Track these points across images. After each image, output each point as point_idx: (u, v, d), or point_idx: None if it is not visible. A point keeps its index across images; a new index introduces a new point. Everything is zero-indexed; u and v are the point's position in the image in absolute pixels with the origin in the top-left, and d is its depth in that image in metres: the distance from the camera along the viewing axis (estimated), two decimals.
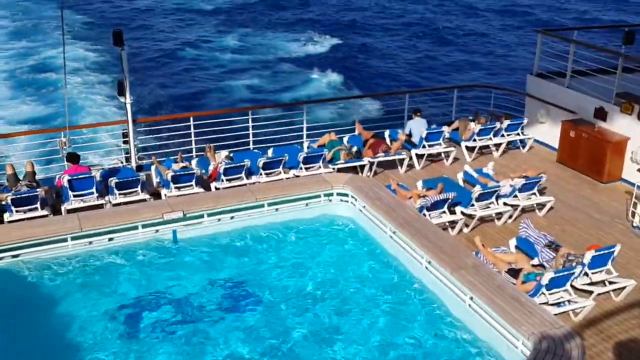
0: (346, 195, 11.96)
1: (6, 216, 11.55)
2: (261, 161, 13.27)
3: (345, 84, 33.03)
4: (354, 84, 32.96)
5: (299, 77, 34.30)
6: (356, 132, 15.90)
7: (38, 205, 11.66)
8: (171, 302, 9.85)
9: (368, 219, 11.40)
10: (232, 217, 11.55)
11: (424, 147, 15.08)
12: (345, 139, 15.45)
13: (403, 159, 14.86)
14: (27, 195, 11.59)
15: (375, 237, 11.23)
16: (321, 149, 14.47)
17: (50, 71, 31.50)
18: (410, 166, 15.10)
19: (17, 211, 11.55)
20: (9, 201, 11.45)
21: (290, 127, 16.27)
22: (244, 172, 13.16)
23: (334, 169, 13.95)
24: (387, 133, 15.94)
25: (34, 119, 25.83)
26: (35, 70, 32.17)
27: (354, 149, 14.73)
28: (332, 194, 12.06)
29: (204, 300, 9.91)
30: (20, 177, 12.37)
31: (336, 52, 39.21)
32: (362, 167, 14.42)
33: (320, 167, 13.80)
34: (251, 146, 15.44)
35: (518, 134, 16.25)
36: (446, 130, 15.58)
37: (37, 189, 11.81)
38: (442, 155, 15.61)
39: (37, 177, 12.74)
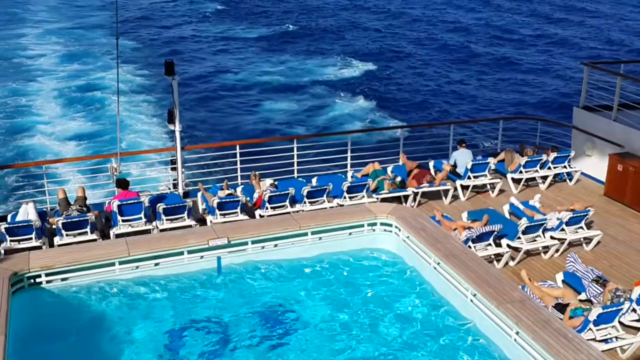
0: (390, 225, 11.91)
1: (56, 239, 11.87)
2: (305, 190, 13.36)
3: (384, 112, 33.13)
4: (394, 112, 33.04)
5: (338, 102, 34.72)
6: (400, 162, 15.89)
7: (88, 229, 11.96)
8: (214, 328, 9.93)
9: (412, 249, 11.32)
10: (275, 245, 11.62)
11: (469, 178, 14.94)
12: (389, 169, 15.44)
13: (448, 190, 14.75)
14: (77, 219, 11.90)
15: (418, 268, 11.12)
16: (365, 178, 14.49)
17: (96, 90, 33.21)
18: (455, 197, 14.97)
19: (67, 235, 11.86)
20: (60, 225, 11.77)
21: (335, 156, 16.35)
22: (288, 200, 13.26)
23: (377, 198, 13.93)
24: (431, 164, 15.88)
25: (81, 134, 27.30)
26: (83, 89, 33.88)
27: (398, 179, 14.70)
28: (375, 224, 12.02)
29: (245, 327, 9.96)
30: (72, 202, 12.73)
31: (373, 78, 39.57)
32: (406, 197, 14.37)
33: (363, 196, 13.80)
34: (295, 174, 15.57)
35: (565, 167, 15.97)
36: (492, 161, 15.42)
37: (87, 214, 12.12)
38: (488, 186, 15.42)
39: (88, 201, 13.09)
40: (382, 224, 12.03)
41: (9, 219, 12.27)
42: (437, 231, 11.39)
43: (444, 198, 14.83)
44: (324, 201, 13.61)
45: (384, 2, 65.92)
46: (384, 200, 13.87)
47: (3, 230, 11.34)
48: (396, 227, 11.77)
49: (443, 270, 10.43)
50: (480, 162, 15.12)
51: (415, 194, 14.37)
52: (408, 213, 12.17)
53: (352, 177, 15.17)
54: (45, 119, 29.66)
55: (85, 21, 53.44)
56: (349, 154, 16.03)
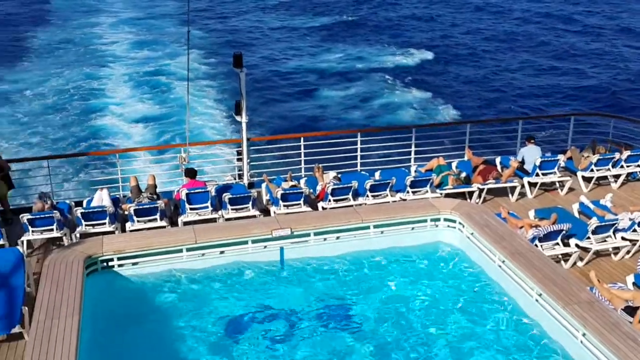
0: (454, 221, 11.79)
1: (128, 225, 12.33)
2: (368, 183, 13.37)
3: (446, 104, 32.67)
4: (458, 105, 32.56)
5: (397, 92, 34.65)
6: (466, 158, 15.65)
7: (157, 216, 12.36)
8: (274, 317, 10.12)
9: (476, 246, 11.17)
10: (337, 237, 11.70)
11: (537, 175, 14.57)
12: (454, 164, 15.24)
13: (515, 187, 14.43)
14: (148, 206, 12.32)
15: (482, 266, 10.98)
16: (429, 173, 14.36)
17: (163, 75, 35.21)
18: (522, 195, 14.63)
19: (138, 221, 12.29)
20: (132, 211, 12.22)
21: (399, 150, 16.26)
22: (351, 193, 13.30)
23: (441, 194, 13.79)
24: (498, 160, 15.56)
25: (148, 116, 29.06)
26: (151, 74, 35.92)
27: (463, 174, 14.49)
28: (439, 219, 11.93)
29: (306, 317, 10.10)
30: (143, 189, 13.18)
31: (435, 70, 39.26)
32: (471, 193, 14.15)
33: (427, 191, 13.69)
34: (359, 168, 15.59)
35: (639, 166, 15.34)
36: (561, 158, 14.98)
37: (157, 201, 12.53)
38: (557, 184, 15.00)
39: (158, 189, 13.52)
40: (445, 219, 11.92)
41: (84, 204, 12.82)
42: (502, 228, 11.20)
43: (510, 195, 14.52)
44: (387, 195, 13.58)
45: None
46: (448, 195, 13.71)
47: (79, 214, 11.87)
48: (460, 223, 11.64)
49: (508, 268, 10.26)
50: (549, 159, 14.71)
51: (481, 190, 14.13)
52: (473, 209, 12.00)
53: (415, 171, 15.06)
54: (116, 100, 31.43)
55: (155, 11, 55.94)
56: (412, 148, 15.91)
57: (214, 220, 12.63)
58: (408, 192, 13.60)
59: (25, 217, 11.37)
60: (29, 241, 11.59)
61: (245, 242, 11.30)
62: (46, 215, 11.50)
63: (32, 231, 11.53)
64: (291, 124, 29.11)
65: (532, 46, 44.38)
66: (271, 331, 9.77)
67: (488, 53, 43.37)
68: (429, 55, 42.12)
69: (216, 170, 16.61)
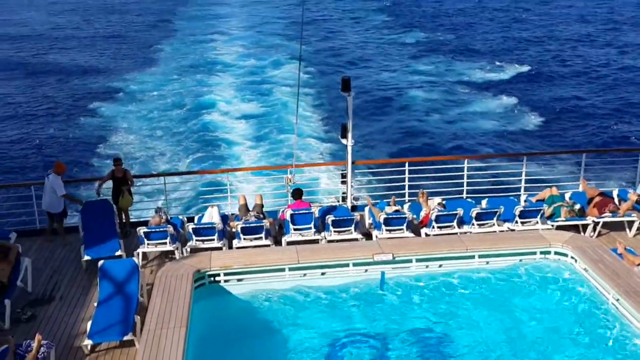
0: (565, 255, 11.27)
1: (235, 242, 12.75)
2: (474, 211, 13.04)
3: (553, 128, 31.27)
4: (565, 130, 31.11)
5: (508, 116, 33.76)
6: (580, 189, 14.91)
7: (263, 235, 12.70)
8: (372, 341, 10.08)
9: (588, 282, 10.60)
10: (440, 265, 11.50)
11: None
12: (567, 195, 14.55)
13: (633, 222, 13.55)
14: (254, 225, 12.69)
15: (595, 303, 10.38)
16: (540, 203, 13.80)
17: (267, 84, 39.06)
18: None
19: (244, 238, 12.69)
20: (239, 229, 12.64)
21: (507, 177, 15.77)
22: (456, 221, 13.04)
23: (553, 226, 13.20)
24: (615, 192, 14.70)
25: (249, 115, 32.99)
26: (256, 82, 40.12)
27: (577, 206, 13.81)
28: (549, 252, 11.44)
29: (404, 343, 9.99)
30: (250, 208, 13.60)
31: (547, 92, 37.99)
32: (585, 226, 13.44)
33: (537, 222, 13.15)
34: (465, 195, 15.26)
35: None
36: None
37: (264, 220, 12.88)
38: None
39: (264, 209, 13.90)
40: (556, 252, 11.43)
41: (195, 220, 13.42)
42: (618, 265, 10.57)
43: (627, 230, 13.65)
44: (494, 224, 13.19)
45: (541, 9, 67.67)
46: (559, 228, 13.11)
47: (190, 230, 12.44)
48: (572, 257, 11.11)
49: (623, 307, 9.65)
50: None
51: (596, 223, 13.39)
52: (586, 243, 11.43)
53: (525, 201, 14.53)
54: (223, 100, 35.84)
55: (265, 28, 62.16)
56: (523, 177, 15.37)
57: (316, 241, 12.80)
58: (517, 222, 13.13)
59: (142, 230, 12.05)
60: (144, 253, 12.27)
61: (347, 265, 11.36)
62: (161, 230, 12.14)
63: (148, 244, 12.19)
64: (394, 146, 29.21)
65: None
66: (368, 354, 9.72)
67: (600, 69, 41.62)
68: (539, 74, 41.39)
69: (320, 192, 16.85)
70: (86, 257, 11.93)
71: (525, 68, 42.94)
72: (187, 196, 20.78)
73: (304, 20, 60.86)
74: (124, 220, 13.64)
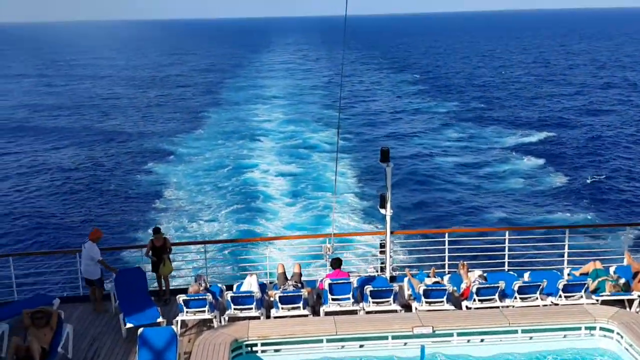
0: (611, 331, 10.91)
1: (273, 311, 12.72)
2: (517, 284, 12.79)
3: (603, 201, 30.66)
4: (606, 202, 30.48)
5: (549, 186, 33.54)
6: (625, 263, 14.52)
7: (301, 304, 12.66)
8: None
9: (635, 359, 10.19)
10: (482, 340, 11.24)
11: None
12: (612, 269, 14.18)
13: None
14: (292, 294, 12.68)
15: None
16: (584, 277, 13.47)
17: (305, 149, 43.33)
18: None
19: (282, 308, 12.66)
20: (277, 298, 12.63)
21: (551, 250, 15.48)
22: (497, 294, 12.79)
23: (597, 300, 12.83)
24: None
25: (287, 173, 36.48)
26: (295, 145, 44.72)
27: (622, 280, 13.42)
28: (594, 328, 11.10)
29: None
30: (289, 277, 13.62)
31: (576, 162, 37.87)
32: (631, 301, 13.01)
33: (582, 297, 12.81)
34: (506, 267, 15.01)
35: None
36: None
37: (302, 289, 12.87)
38: None
39: (302, 278, 13.89)
40: (602, 328, 11.08)
41: (234, 289, 13.48)
42: None
43: None
44: (537, 298, 12.88)
45: (570, 76, 73.80)
46: (604, 302, 12.72)
47: (229, 298, 12.49)
48: (618, 333, 10.75)
49: None
50: None
51: None
52: (632, 319, 11.07)
53: (569, 274, 14.20)
54: (264, 161, 39.87)
55: (303, 98, 68.82)
56: (566, 250, 15.08)
57: (354, 312, 12.68)
58: (560, 296, 12.81)
59: (181, 298, 12.16)
60: (182, 321, 12.33)
61: (386, 338, 11.20)
62: (200, 297, 12.22)
63: (187, 312, 12.27)
64: (434, 216, 29.11)
65: None
66: None
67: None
68: (583, 141, 41.74)
69: (359, 262, 16.79)
70: (128, 325, 12.04)
71: (572, 137, 43.31)
72: (227, 263, 20.93)
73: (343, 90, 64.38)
74: (164, 288, 13.81)
